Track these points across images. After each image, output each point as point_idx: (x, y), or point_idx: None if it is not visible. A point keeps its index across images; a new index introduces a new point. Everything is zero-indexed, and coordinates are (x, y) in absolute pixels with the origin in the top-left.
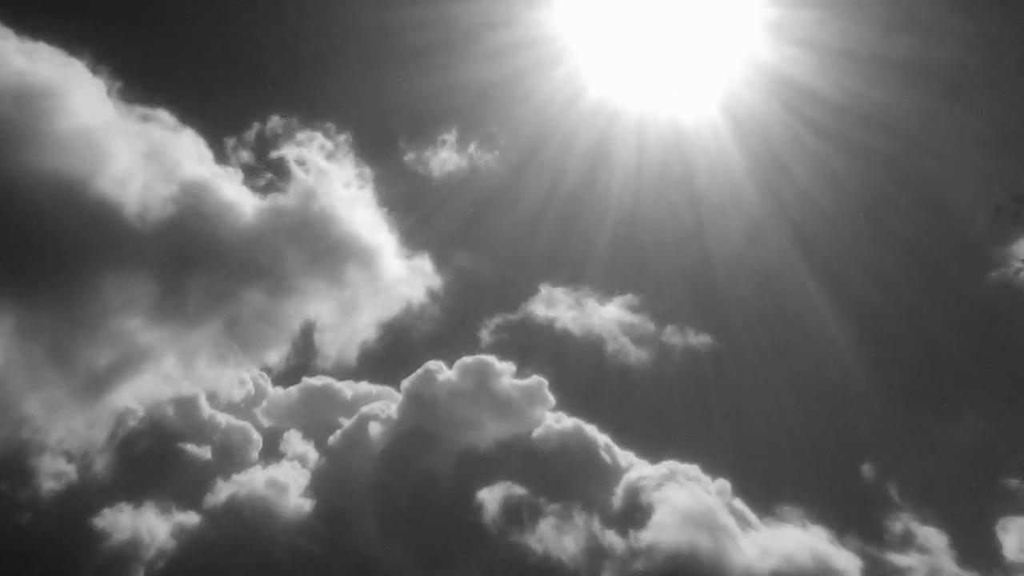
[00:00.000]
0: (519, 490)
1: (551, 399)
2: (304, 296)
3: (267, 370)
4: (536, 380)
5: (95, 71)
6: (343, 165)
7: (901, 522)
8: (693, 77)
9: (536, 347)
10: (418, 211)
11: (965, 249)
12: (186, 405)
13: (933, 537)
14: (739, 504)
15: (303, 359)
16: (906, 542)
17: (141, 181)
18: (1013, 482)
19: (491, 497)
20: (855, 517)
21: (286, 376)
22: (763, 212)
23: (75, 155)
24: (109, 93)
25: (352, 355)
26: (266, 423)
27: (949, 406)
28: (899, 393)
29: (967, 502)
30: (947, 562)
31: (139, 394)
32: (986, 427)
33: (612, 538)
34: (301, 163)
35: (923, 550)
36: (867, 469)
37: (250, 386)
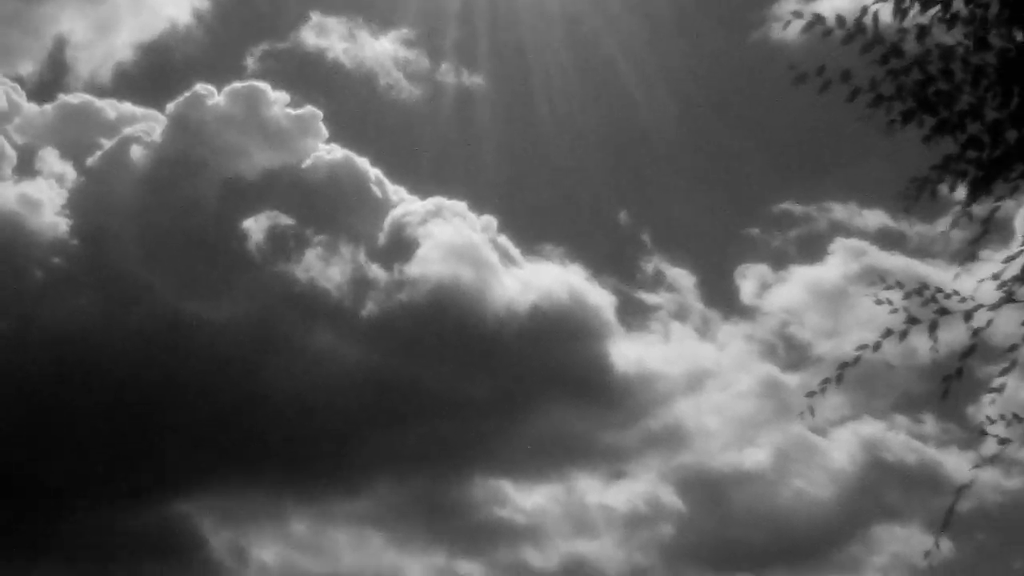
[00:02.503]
0: (286, 220)
1: (324, 131)
2: (57, 4)
3: (20, 81)
4: (309, 111)
5: None
6: None
7: (653, 264)
8: None
9: (306, 77)
10: None
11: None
12: None
13: (682, 278)
14: (503, 241)
15: (56, 75)
16: (657, 282)
17: None
18: (753, 231)
19: (257, 226)
20: (611, 258)
21: (40, 92)
22: None
23: None
24: None
25: (108, 74)
26: (19, 140)
27: (704, 158)
28: (656, 144)
29: (713, 248)
30: (693, 300)
31: None
32: (734, 178)
33: (377, 271)
34: None
35: (672, 289)
36: (624, 215)
37: (2, 100)
